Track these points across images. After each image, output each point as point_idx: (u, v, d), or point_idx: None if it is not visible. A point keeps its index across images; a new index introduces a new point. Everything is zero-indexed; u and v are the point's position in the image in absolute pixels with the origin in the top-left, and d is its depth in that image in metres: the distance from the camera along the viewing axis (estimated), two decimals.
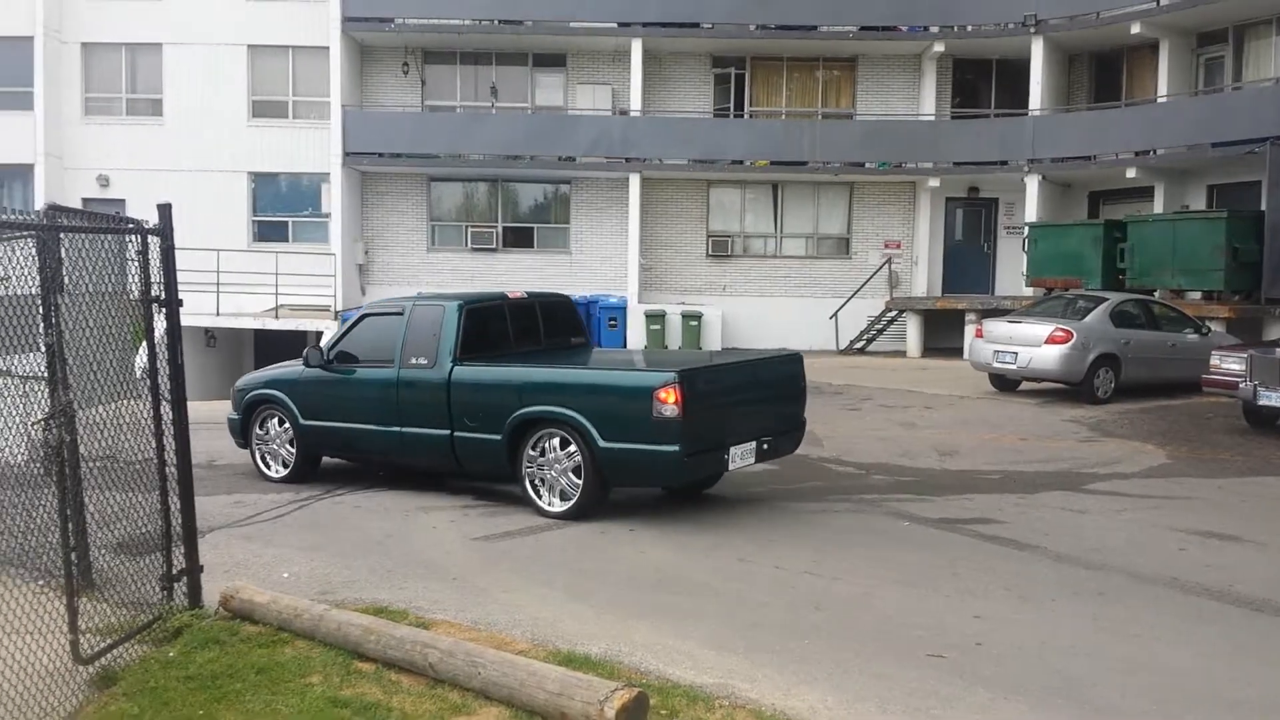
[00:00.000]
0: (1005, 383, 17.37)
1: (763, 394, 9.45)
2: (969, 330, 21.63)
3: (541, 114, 26.52)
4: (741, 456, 8.81)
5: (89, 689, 5.16)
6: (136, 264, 6.01)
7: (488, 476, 9.79)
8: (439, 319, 9.59)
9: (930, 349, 24.42)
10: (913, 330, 24.50)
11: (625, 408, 8.39)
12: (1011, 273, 25.08)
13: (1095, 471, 11.27)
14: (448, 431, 9.36)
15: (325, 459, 10.90)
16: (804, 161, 25.53)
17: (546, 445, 8.78)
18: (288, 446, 10.59)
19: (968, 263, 26.40)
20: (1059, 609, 6.58)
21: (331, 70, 25.70)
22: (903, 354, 24.41)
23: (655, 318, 24.32)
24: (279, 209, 27.75)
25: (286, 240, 27.26)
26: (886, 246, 26.42)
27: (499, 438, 8.95)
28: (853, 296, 25.56)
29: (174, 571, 6.16)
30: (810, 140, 25.53)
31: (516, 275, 26.32)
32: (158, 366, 6.05)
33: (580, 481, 8.65)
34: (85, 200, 27.17)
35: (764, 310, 26.07)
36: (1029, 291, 22.80)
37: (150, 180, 26.81)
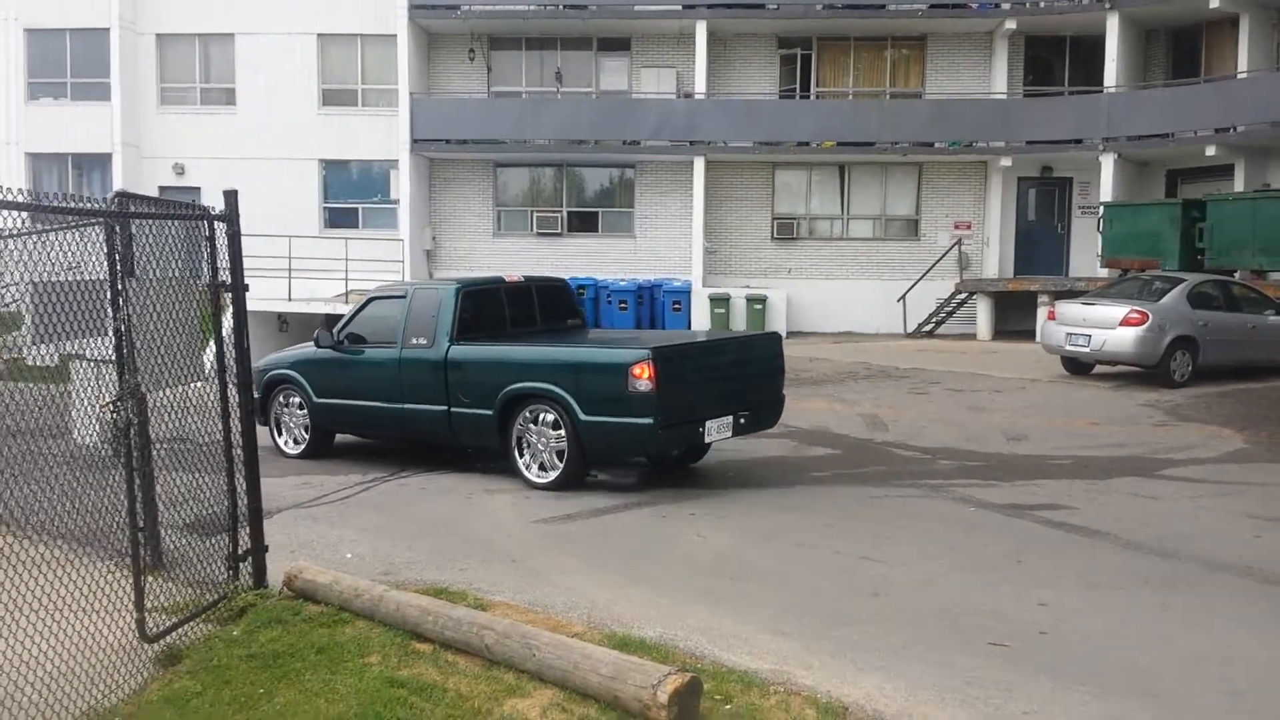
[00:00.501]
0: (1078, 366, 17.00)
1: (739, 371, 9.80)
2: (1041, 313, 21.23)
3: (606, 98, 26.49)
4: (718, 430, 9.22)
5: (154, 666, 5.28)
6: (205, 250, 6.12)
7: (481, 449, 10.25)
8: (438, 301, 10.15)
9: (1001, 332, 24.00)
10: (983, 313, 24.09)
11: (604, 383, 8.90)
12: (1086, 254, 24.51)
13: (1170, 457, 10.99)
14: (445, 407, 9.87)
15: (338, 440, 11.45)
16: (871, 142, 25.20)
17: (533, 419, 9.32)
18: (303, 425, 11.14)
19: (1041, 244, 25.87)
20: (1128, 597, 6.42)
21: (399, 58, 25.90)
22: (973, 337, 24.01)
23: (719, 301, 24.22)
24: (349, 196, 28.08)
25: (356, 226, 27.58)
26: (956, 228, 25.99)
27: (490, 413, 9.47)
28: (921, 279, 25.20)
29: (239, 552, 6.27)
30: (878, 120, 25.20)
31: (581, 259, 26.39)
32: (224, 350, 6.16)
33: (564, 454, 9.18)
34: (161, 188, 27.77)
35: (830, 293, 25.83)
36: (1104, 273, 22.26)
37: (224, 168, 27.27)
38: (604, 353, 9.38)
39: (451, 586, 6.43)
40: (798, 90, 26.39)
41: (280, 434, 11.27)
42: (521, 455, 9.44)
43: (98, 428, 6.88)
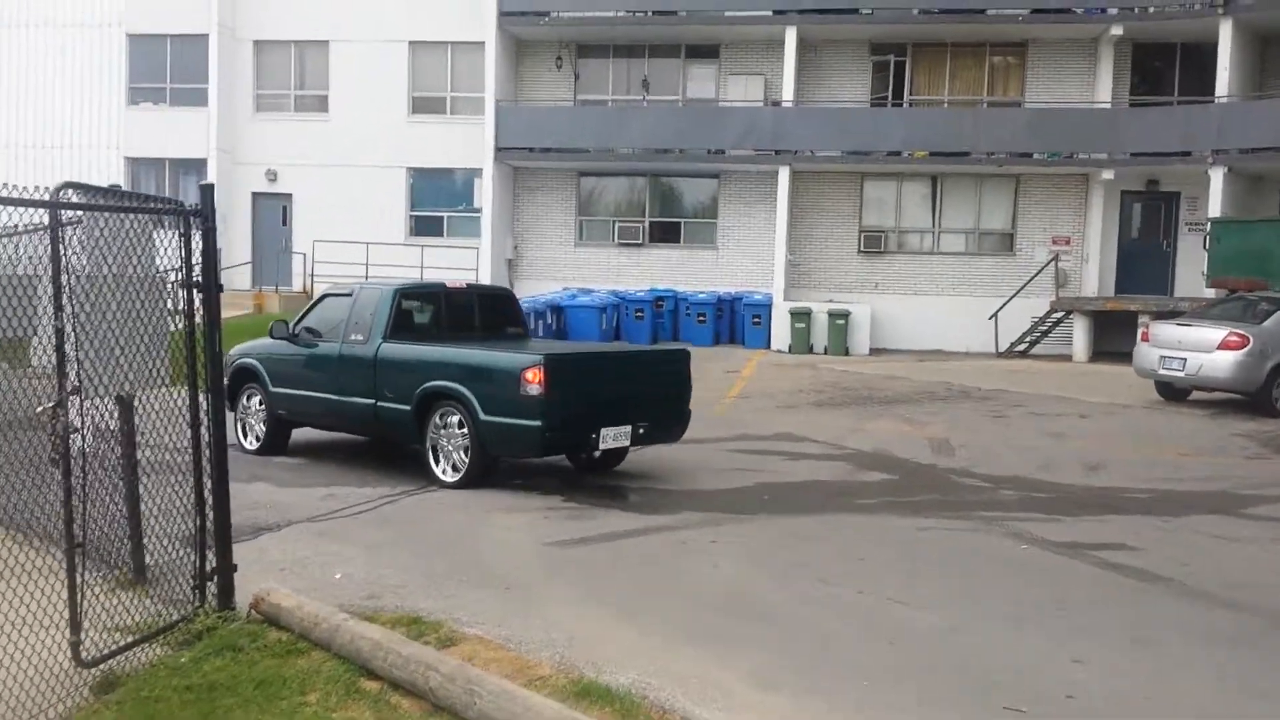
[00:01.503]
0: (1173, 391, 15.92)
1: (640, 384, 10.15)
2: None
3: (692, 106, 26.02)
4: (614, 438, 9.61)
5: (89, 694, 4.93)
6: (181, 246, 5.81)
7: (404, 442, 10.73)
8: (377, 301, 10.63)
9: (1100, 354, 22.80)
10: (1080, 333, 22.91)
11: (500, 386, 9.35)
12: (1193, 273, 23.15)
13: (1260, 493, 10.02)
14: (373, 401, 10.36)
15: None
16: (966, 152, 24.24)
17: (443, 418, 9.77)
18: (263, 420, 11.56)
19: (1144, 261, 24.55)
20: (1180, 656, 5.66)
21: (486, 65, 25.83)
22: (1068, 358, 22.86)
23: (800, 315, 23.50)
24: (435, 203, 28.10)
25: (441, 234, 27.61)
26: (1054, 243, 24.83)
27: (409, 408, 9.97)
28: (1014, 296, 24.09)
29: (207, 570, 5.93)
30: (973, 129, 24.22)
31: (662, 270, 25.99)
32: (195, 353, 5.84)
33: (468, 454, 9.62)
34: (255, 194, 28.29)
35: (918, 309, 24.93)
36: (1210, 293, 20.94)
37: (314, 175, 27.71)
38: (502, 357, 9.69)
39: (430, 615, 5.99)
40: (890, 98, 25.54)
41: (242, 429, 11.63)
42: (434, 452, 9.89)
43: (91, 433, 6.62)
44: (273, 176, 28.21)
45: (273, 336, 11.36)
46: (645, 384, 10.16)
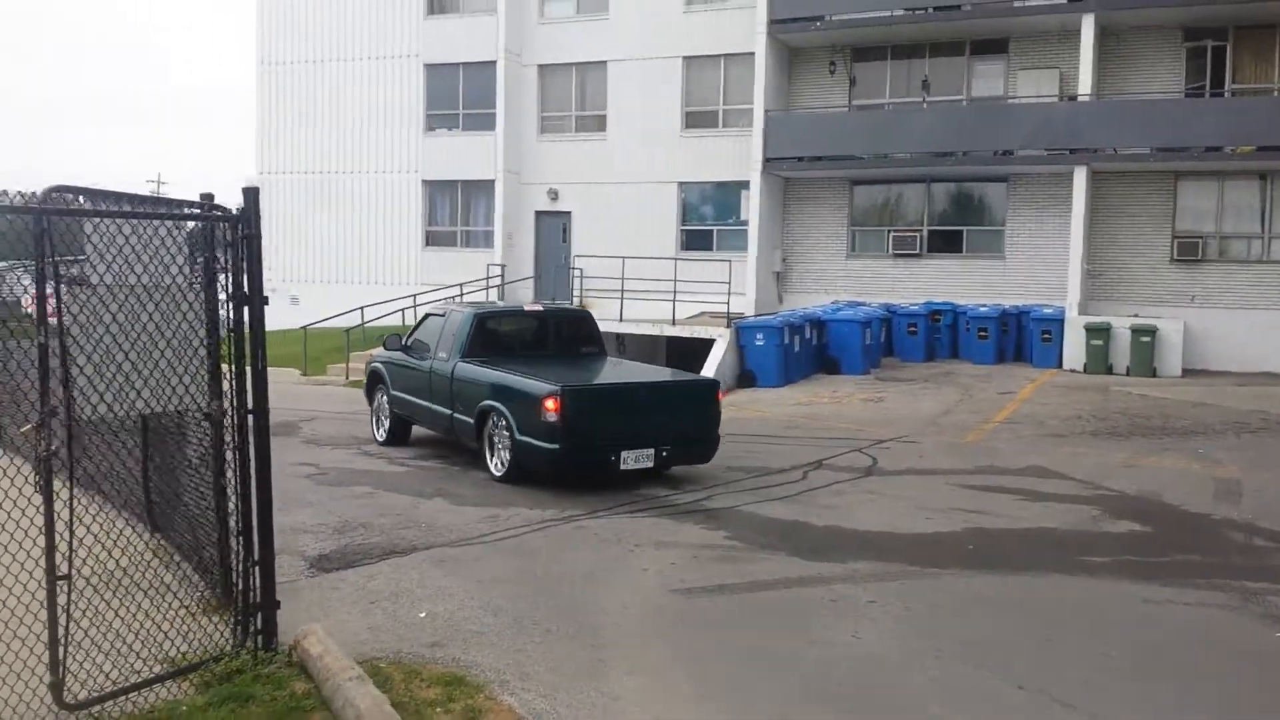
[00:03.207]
0: None
1: (662, 411, 10.51)
2: None
3: (974, 105, 23.92)
4: (636, 460, 10.11)
5: None
6: (225, 254, 5.38)
7: (470, 446, 11.44)
8: (460, 323, 11.91)
9: None
10: None
11: (528, 409, 10.14)
12: None
13: None
14: (450, 410, 11.63)
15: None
16: None
17: (495, 429, 10.76)
18: (387, 415, 13.13)
19: None
20: None
21: (756, 75, 24.97)
22: None
23: (1097, 331, 20.91)
24: (705, 217, 27.55)
25: (711, 249, 26.96)
26: None
27: (472, 420, 11.11)
28: None
29: (250, 604, 5.42)
30: None
31: (940, 282, 24.05)
32: (244, 370, 5.36)
33: (509, 458, 10.50)
34: (538, 213, 28.92)
35: (1244, 325, 21.59)
36: None
37: (592, 193, 27.96)
38: (529, 384, 10.33)
39: (479, 674, 5.19)
40: (1207, 88, 22.37)
41: (376, 421, 13.35)
42: (490, 455, 10.84)
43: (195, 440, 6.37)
44: (554, 195, 28.67)
45: (385, 348, 12.96)
46: (669, 411, 10.56)
